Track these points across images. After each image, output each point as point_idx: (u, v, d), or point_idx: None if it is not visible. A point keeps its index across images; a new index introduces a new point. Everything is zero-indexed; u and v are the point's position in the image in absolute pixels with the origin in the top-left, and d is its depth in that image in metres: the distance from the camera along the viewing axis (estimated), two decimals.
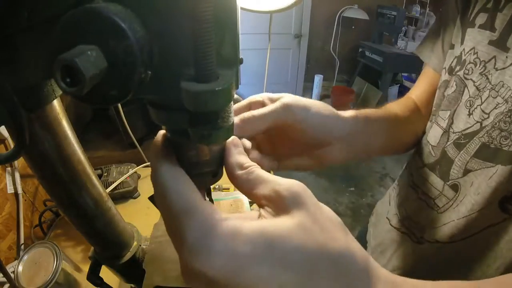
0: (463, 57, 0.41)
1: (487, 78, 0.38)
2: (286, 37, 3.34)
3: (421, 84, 0.55)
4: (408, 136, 0.50)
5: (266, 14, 0.63)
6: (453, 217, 0.41)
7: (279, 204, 0.20)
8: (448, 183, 0.42)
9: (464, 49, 0.41)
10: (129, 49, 0.15)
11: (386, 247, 0.54)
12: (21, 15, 0.18)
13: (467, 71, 0.40)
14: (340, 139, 0.36)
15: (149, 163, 0.94)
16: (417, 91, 0.54)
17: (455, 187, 0.41)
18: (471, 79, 0.40)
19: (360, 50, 3.41)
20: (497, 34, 0.37)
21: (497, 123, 0.36)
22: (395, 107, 0.49)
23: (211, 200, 0.36)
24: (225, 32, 0.17)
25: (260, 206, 0.21)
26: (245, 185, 0.22)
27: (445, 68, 0.46)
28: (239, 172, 0.22)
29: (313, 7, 3.26)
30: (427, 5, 3.36)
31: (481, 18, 0.39)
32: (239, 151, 0.24)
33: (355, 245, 0.20)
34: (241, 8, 0.54)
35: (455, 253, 0.41)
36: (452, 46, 0.45)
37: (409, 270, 0.48)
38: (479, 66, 0.39)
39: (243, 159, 0.23)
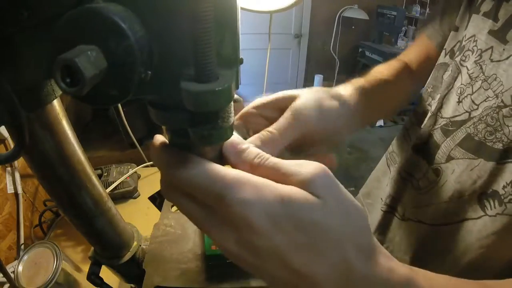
0: (463, 43, 0.41)
1: (481, 68, 0.37)
2: (286, 37, 3.35)
3: (414, 48, 0.55)
4: (399, 97, 0.50)
5: (266, 14, 0.63)
6: (434, 200, 0.42)
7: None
8: (432, 166, 0.43)
9: (465, 34, 0.41)
10: (129, 49, 0.15)
11: (378, 226, 0.54)
12: (21, 15, 0.18)
13: (463, 58, 0.40)
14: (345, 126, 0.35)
15: (149, 163, 0.94)
16: (410, 55, 0.54)
17: (437, 171, 0.42)
18: (466, 66, 0.40)
19: (360, 50, 3.42)
20: (499, 25, 0.36)
21: (484, 117, 0.36)
22: (384, 71, 0.48)
23: None
24: (225, 32, 0.17)
25: None
26: (269, 175, 0.20)
27: (445, 49, 0.45)
28: (256, 160, 0.21)
29: (313, 7, 3.26)
30: (427, 5, 3.36)
31: (487, 5, 0.38)
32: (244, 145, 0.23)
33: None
34: (241, 8, 0.54)
35: (434, 237, 0.42)
36: (456, 29, 0.44)
37: (395, 246, 0.49)
38: (475, 54, 0.38)
39: (253, 149, 0.22)
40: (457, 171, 0.38)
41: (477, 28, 0.39)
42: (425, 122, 0.45)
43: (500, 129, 0.34)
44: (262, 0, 0.56)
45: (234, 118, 0.21)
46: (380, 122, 3.20)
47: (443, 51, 0.46)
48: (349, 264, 0.19)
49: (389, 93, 0.45)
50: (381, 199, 0.56)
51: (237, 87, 0.20)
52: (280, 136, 0.28)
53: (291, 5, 0.55)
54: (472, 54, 0.39)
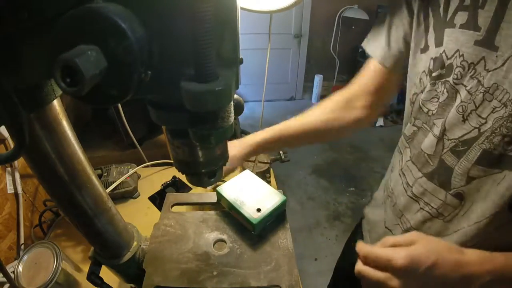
0: (448, 61, 0.39)
1: (479, 81, 0.36)
2: (286, 37, 3.34)
3: (365, 74, 0.56)
4: (331, 135, 0.62)
5: (266, 14, 0.62)
6: (463, 224, 0.42)
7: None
8: (450, 192, 0.42)
9: (445, 51, 0.39)
10: (129, 49, 0.15)
11: None
12: (21, 15, 0.18)
13: (455, 76, 0.38)
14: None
15: (149, 163, 0.94)
16: (355, 87, 0.58)
17: (459, 196, 0.41)
18: (461, 84, 0.38)
19: (360, 50, 3.41)
20: (483, 33, 0.35)
21: (498, 129, 0.35)
22: (312, 115, 0.60)
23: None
24: (225, 32, 0.17)
25: None
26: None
27: (424, 71, 0.43)
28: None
29: (313, 7, 3.26)
30: None
31: (461, 17, 0.37)
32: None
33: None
34: (241, 8, 0.54)
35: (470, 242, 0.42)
36: (426, 48, 0.43)
37: None
38: (468, 69, 0.37)
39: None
40: (485, 189, 0.39)
41: (458, 42, 0.37)
42: (432, 148, 0.44)
43: None
44: (262, 0, 0.56)
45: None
46: (380, 122, 3.20)
47: (422, 73, 0.44)
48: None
49: (303, 138, 0.61)
50: (386, 227, 0.56)
51: (237, 87, 0.20)
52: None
53: (291, 5, 0.55)
54: (464, 70, 0.37)
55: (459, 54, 0.37)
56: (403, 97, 0.56)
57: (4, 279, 0.42)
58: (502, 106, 0.34)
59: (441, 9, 0.39)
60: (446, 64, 0.39)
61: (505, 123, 0.34)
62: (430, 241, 0.38)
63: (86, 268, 0.46)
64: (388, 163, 0.60)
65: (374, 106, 0.57)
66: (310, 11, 3.26)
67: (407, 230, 0.50)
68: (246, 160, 0.82)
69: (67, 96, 0.78)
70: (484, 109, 0.36)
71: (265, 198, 0.48)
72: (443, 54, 0.39)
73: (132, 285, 0.52)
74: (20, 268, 0.46)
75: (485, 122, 0.36)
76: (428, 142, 0.44)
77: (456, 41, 0.37)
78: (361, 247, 0.40)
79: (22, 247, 0.70)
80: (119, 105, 0.87)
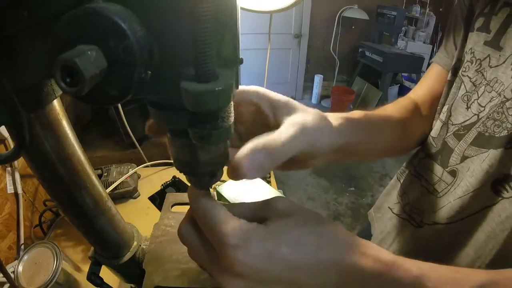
0: (462, 58, 0.45)
1: (483, 75, 0.41)
2: (286, 37, 3.34)
3: (425, 82, 0.53)
4: (406, 138, 0.48)
5: (266, 14, 0.63)
6: (450, 199, 0.43)
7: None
8: (447, 169, 0.45)
9: (466, 51, 0.45)
10: (129, 49, 0.15)
11: (386, 234, 0.56)
12: (21, 15, 0.18)
13: (464, 69, 0.44)
14: (329, 152, 0.32)
15: (149, 163, 0.94)
16: (420, 91, 0.53)
17: (453, 173, 0.44)
18: (467, 76, 0.43)
19: (360, 50, 3.41)
20: (492, 35, 0.40)
21: (491, 114, 0.39)
22: (391, 109, 0.47)
23: None
24: (225, 32, 0.17)
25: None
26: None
27: (451, 68, 0.48)
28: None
29: (313, 7, 3.26)
30: (427, 5, 3.36)
31: (479, 22, 0.42)
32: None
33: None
34: (241, 8, 0.54)
35: (453, 234, 0.43)
36: (456, 48, 0.48)
37: (410, 254, 0.49)
38: (474, 64, 0.42)
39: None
40: (472, 167, 0.41)
41: (473, 42, 0.43)
42: (437, 131, 0.48)
43: (505, 120, 0.37)
44: (262, 0, 0.56)
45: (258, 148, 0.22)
46: None
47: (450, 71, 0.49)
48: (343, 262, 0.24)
49: (387, 129, 0.43)
50: (389, 207, 0.58)
51: (237, 87, 0.20)
52: (284, 149, 0.26)
53: (291, 5, 0.55)
54: (472, 64, 0.43)
55: (471, 51, 0.43)
56: None
57: (4, 279, 0.43)
58: (497, 95, 0.38)
59: (473, 18, 0.45)
60: (462, 59, 0.45)
61: (497, 109, 0.38)
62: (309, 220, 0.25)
63: (86, 268, 0.46)
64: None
65: (433, 113, 0.49)
66: (310, 11, 3.26)
67: (404, 206, 0.53)
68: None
69: (67, 96, 0.78)
70: (484, 98, 0.40)
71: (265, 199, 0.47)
72: (462, 53, 0.45)
73: (132, 285, 0.52)
74: (20, 268, 0.46)
75: (483, 110, 0.40)
76: (436, 126, 0.48)
77: (472, 41, 0.43)
78: (197, 193, 0.25)
79: (22, 247, 0.70)
80: (119, 105, 0.87)
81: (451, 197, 0.43)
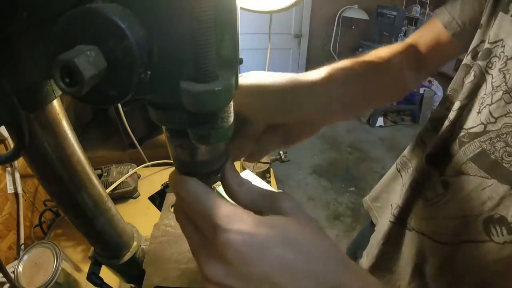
0: (487, 45, 0.36)
1: (504, 77, 0.33)
2: (286, 37, 3.34)
3: (425, 33, 0.47)
4: (395, 84, 0.44)
5: (266, 14, 0.63)
6: (439, 214, 0.39)
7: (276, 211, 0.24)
8: (441, 178, 0.40)
9: (490, 35, 0.36)
10: (128, 49, 0.15)
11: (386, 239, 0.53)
12: (21, 15, 0.18)
13: (490, 64, 0.36)
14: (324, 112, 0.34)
15: (149, 163, 0.94)
16: (420, 39, 0.47)
17: (446, 185, 0.39)
18: (491, 74, 0.35)
19: (360, 50, 3.41)
20: None
21: (504, 135, 0.32)
22: (382, 53, 0.42)
23: None
24: (225, 32, 0.17)
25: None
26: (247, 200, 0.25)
27: (471, 49, 0.41)
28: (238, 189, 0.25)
29: (313, 7, 3.25)
30: (427, 5, 3.36)
31: None
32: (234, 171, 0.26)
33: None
34: (241, 8, 0.54)
35: (434, 253, 0.41)
36: (480, 26, 0.39)
37: (410, 260, 0.48)
38: (501, 61, 0.34)
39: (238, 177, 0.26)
40: (468, 189, 0.35)
41: (505, 32, 0.34)
42: (442, 130, 0.41)
43: None
44: (262, 0, 0.56)
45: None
46: (380, 122, 3.20)
47: (469, 52, 0.41)
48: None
49: (381, 78, 0.40)
50: (391, 205, 0.54)
51: (236, 87, 0.20)
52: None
53: (291, 5, 0.55)
54: (499, 60, 0.34)
55: (501, 43, 0.34)
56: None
57: (4, 279, 0.43)
58: None
59: None
60: (484, 47, 0.37)
61: None
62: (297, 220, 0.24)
63: (86, 268, 0.46)
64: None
65: (424, 61, 0.46)
66: (310, 11, 3.26)
67: (397, 207, 0.50)
68: (245, 160, 0.82)
69: (67, 96, 0.78)
70: (498, 108, 0.33)
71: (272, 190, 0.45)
72: (488, 39, 0.37)
73: (132, 285, 0.52)
74: (20, 268, 0.46)
75: (494, 122, 0.33)
76: (445, 123, 0.42)
77: (504, 29, 0.34)
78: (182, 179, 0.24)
79: (22, 247, 0.70)
80: (119, 105, 0.87)
81: (441, 212, 0.39)
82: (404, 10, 3.26)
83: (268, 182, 0.85)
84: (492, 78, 0.35)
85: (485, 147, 0.34)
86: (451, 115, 0.40)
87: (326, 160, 2.62)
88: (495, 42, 0.35)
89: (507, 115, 0.32)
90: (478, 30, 0.40)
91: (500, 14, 0.35)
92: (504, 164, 0.32)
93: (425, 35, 0.46)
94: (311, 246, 0.22)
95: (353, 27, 3.45)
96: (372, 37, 3.42)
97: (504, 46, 0.34)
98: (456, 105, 0.39)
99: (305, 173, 2.43)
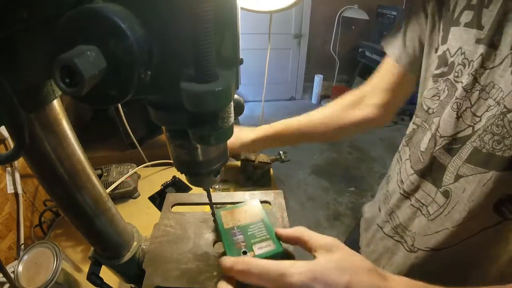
0: (450, 59, 0.39)
1: (475, 78, 0.35)
2: (286, 37, 3.34)
3: (380, 72, 0.56)
4: (338, 133, 0.62)
5: (266, 14, 0.63)
6: (446, 225, 0.40)
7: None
8: (440, 189, 0.41)
9: (448, 49, 0.39)
10: (128, 49, 0.15)
11: (379, 255, 0.53)
12: (21, 15, 0.18)
13: (456, 74, 0.38)
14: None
15: (149, 163, 0.94)
16: (376, 79, 0.57)
17: (446, 194, 0.40)
18: (460, 82, 0.38)
19: (360, 50, 3.41)
20: (485, 32, 0.34)
21: (489, 127, 0.34)
22: (322, 112, 0.63)
23: (211, 205, 0.36)
24: (225, 32, 0.17)
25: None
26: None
27: (433, 74, 0.43)
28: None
29: (313, 7, 3.25)
30: None
31: (466, 16, 0.37)
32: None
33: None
34: (241, 8, 0.54)
35: (450, 258, 0.41)
36: (437, 49, 0.42)
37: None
38: (467, 67, 0.37)
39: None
40: (469, 189, 0.36)
41: (461, 40, 0.37)
42: (425, 144, 0.43)
43: (507, 136, 0.32)
44: (262, 0, 0.56)
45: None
46: None
47: (432, 76, 0.44)
48: None
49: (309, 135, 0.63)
50: (378, 225, 0.55)
51: (237, 87, 0.20)
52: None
53: (291, 5, 0.55)
54: (465, 67, 0.37)
55: (461, 51, 0.37)
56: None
57: (4, 279, 0.42)
58: (496, 104, 0.34)
59: (450, 8, 0.39)
60: (448, 62, 0.39)
61: (496, 121, 0.33)
62: (347, 255, 0.30)
63: (86, 268, 0.46)
64: (388, 163, 0.60)
65: (386, 106, 0.56)
66: (310, 11, 3.26)
67: (396, 227, 0.50)
68: (246, 160, 0.82)
69: (67, 96, 0.77)
70: (480, 107, 0.36)
71: (260, 241, 0.39)
72: (447, 52, 0.40)
73: (132, 285, 0.52)
74: (20, 268, 0.46)
75: (479, 120, 0.36)
76: (425, 140, 0.44)
77: (460, 39, 0.38)
78: (229, 259, 0.31)
79: (22, 247, 0.70)
80: (119, 105, 0.87)
81: (448, 222, 0.40)
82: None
83: (268, 182, 0.85)
84: (463, 84, 0.37)
85: (476, 144, 0.36)
86: (432, 128, 0.43)
87: (326, 160, 2.62)
88: (455, 52, 0.38)
89: (489, 109, 0.35)
90: (435, 55, 0.43)
91: (452, 29, 0.39)
92: (496, 153, 0.34)
93: (381, 79, 0.56)
94: (355, 264, 0.29)
95: (353, 27, 3.45)
96: (372, 37, 3.42)
97: (464, 52, 0.37)
98: (437, 119, 0.42)
99: (305, 173, 2.43)
